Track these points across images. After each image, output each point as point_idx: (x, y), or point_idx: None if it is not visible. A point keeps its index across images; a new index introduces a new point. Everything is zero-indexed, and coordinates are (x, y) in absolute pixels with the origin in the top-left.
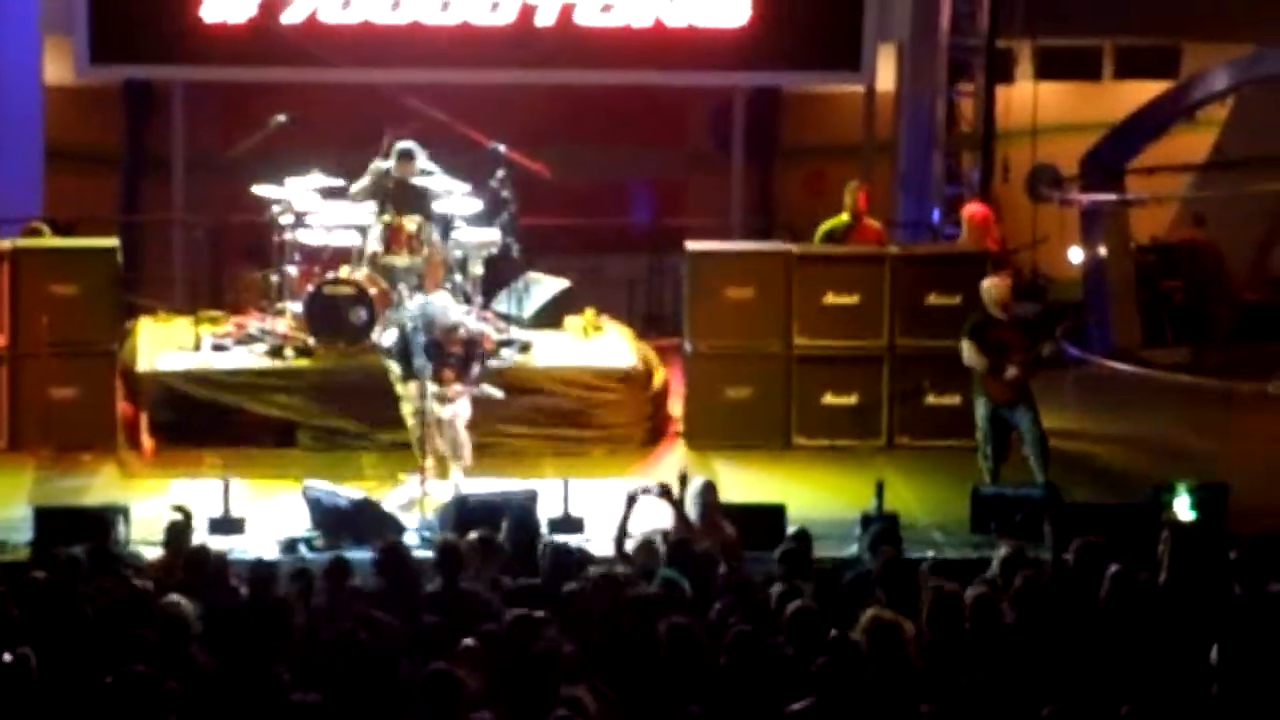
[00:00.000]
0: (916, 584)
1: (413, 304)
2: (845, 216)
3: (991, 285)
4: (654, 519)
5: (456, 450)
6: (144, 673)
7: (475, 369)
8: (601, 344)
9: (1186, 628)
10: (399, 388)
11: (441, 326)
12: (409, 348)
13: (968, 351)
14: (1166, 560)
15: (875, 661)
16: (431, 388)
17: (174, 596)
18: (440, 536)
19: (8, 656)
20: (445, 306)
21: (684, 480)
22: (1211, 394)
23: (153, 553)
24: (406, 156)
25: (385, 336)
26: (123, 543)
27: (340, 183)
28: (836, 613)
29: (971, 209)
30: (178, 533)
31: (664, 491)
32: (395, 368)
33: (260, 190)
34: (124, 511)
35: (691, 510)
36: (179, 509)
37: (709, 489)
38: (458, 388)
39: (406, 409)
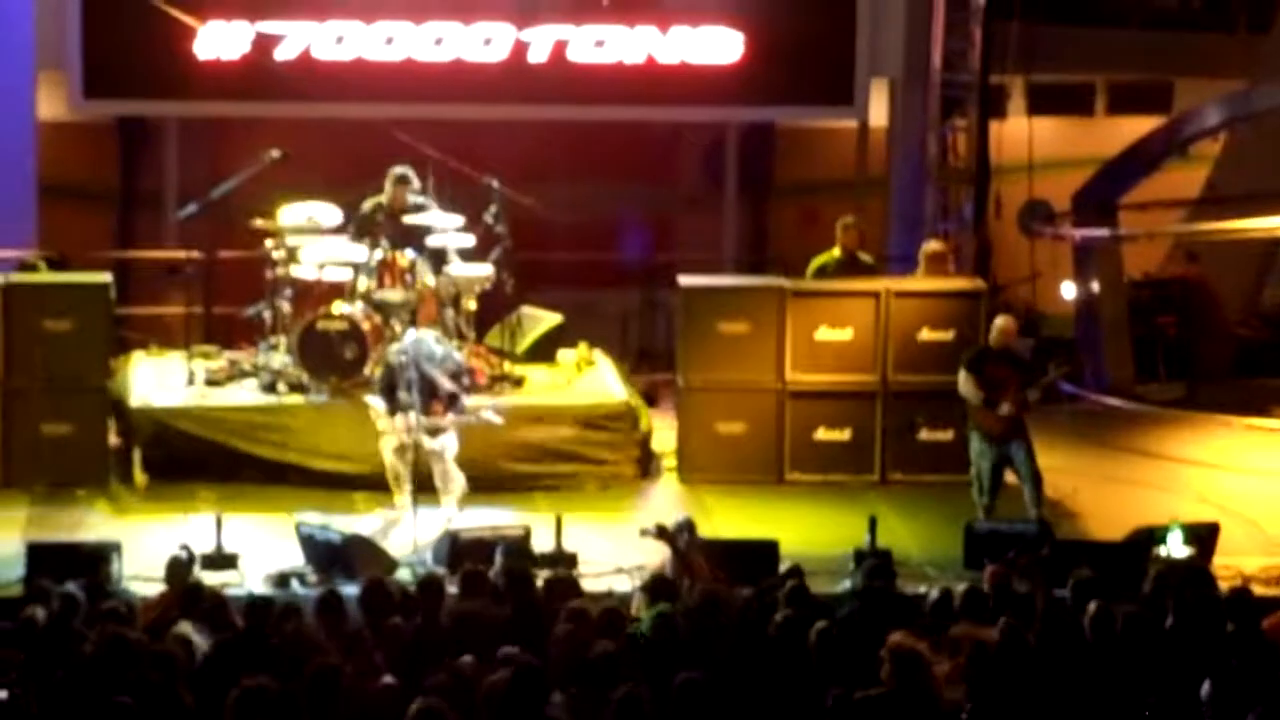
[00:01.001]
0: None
1: (401, 339)
2: (837, 252)
3: (1002, 323)
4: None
5: (447, 483)
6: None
7: (464, 400)
8: (594, 379)
9: (1178, 664)
10: (380, 423)
11: (429, 359)
12: (395, 382)
13: (964, 382)
14: (1160, 597)
15: (899, 688)
16: (421, 420)
17: (184, 627)
18: (425, 571)
19: (4, 694)
20: (433, 340)
21: (661, 532)
22: (1205, 429)
23: (147, 589)
24: (402, 181)
25: (375, 373)
26: (115, 579)
27: (333, 217)
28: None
29: (929, 245)
30: (180, 568)
31: (661, 532)
32: (379, 403)
33: (256, 224)
34: (116, 548)
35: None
36: (184, 548)
37: (687, 526)
38: (448, 419)
39: (386, 444)
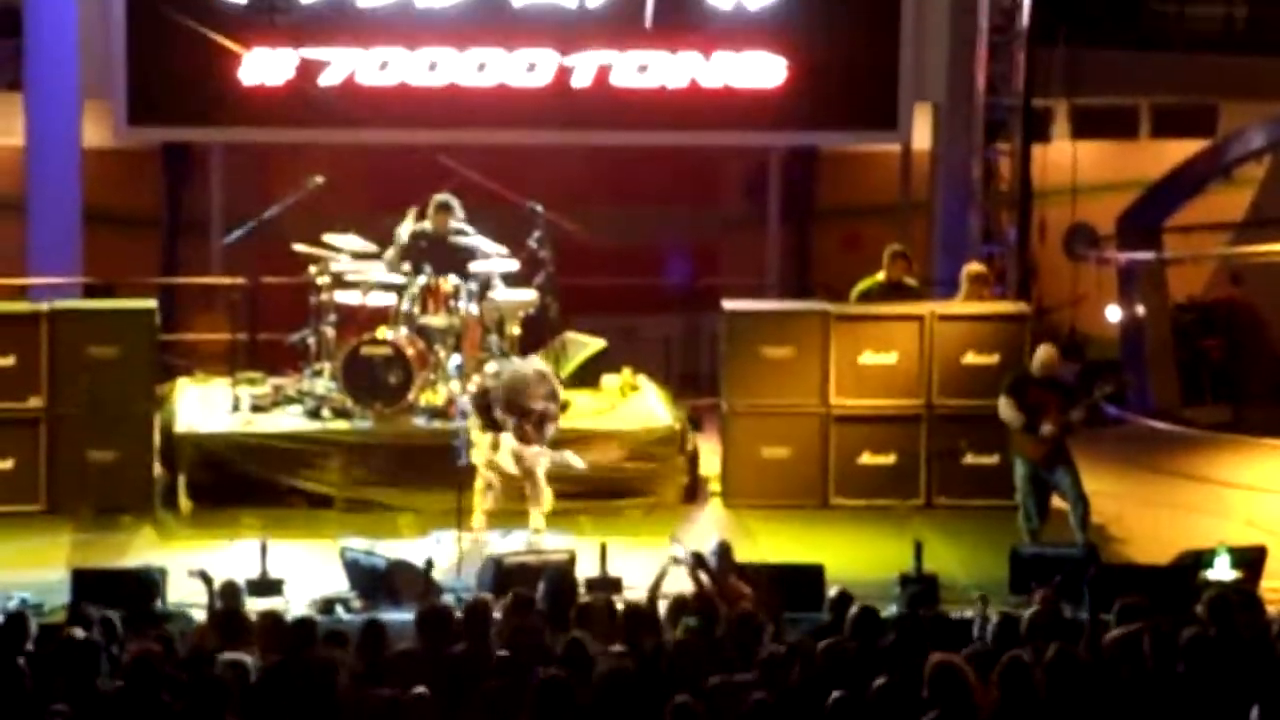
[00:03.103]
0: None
1: (502, 363)
2: (881, 276)
3: (1042, 351)
4: (680, 581)
5: (536, 495)
6: None
7: (549, 430)
8: (638, 404)
9: (1227, 688)
10: (474, 434)
11: (526, 389)
12: (489, 402)
13: (1004, 407)
14: (1211, 621)
15: (940, 706)
16: (510, 443)
17: (237, 655)
18: (472, 596)
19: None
20: (528, 364)
21: (696, 558)
22: (1251, 452)
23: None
24: (444, 208)
25: (439, 391)
26: (161, 605)
27: (377, 242)
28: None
29: (971, 267)
30: (233, 594)
31: (697, 560)
32: (476, 419)
33: (301, 249)
34: (162, 573)
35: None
36: (199, 574)
37: (723, 550)
38: (535, 448)
39: (479, 457)
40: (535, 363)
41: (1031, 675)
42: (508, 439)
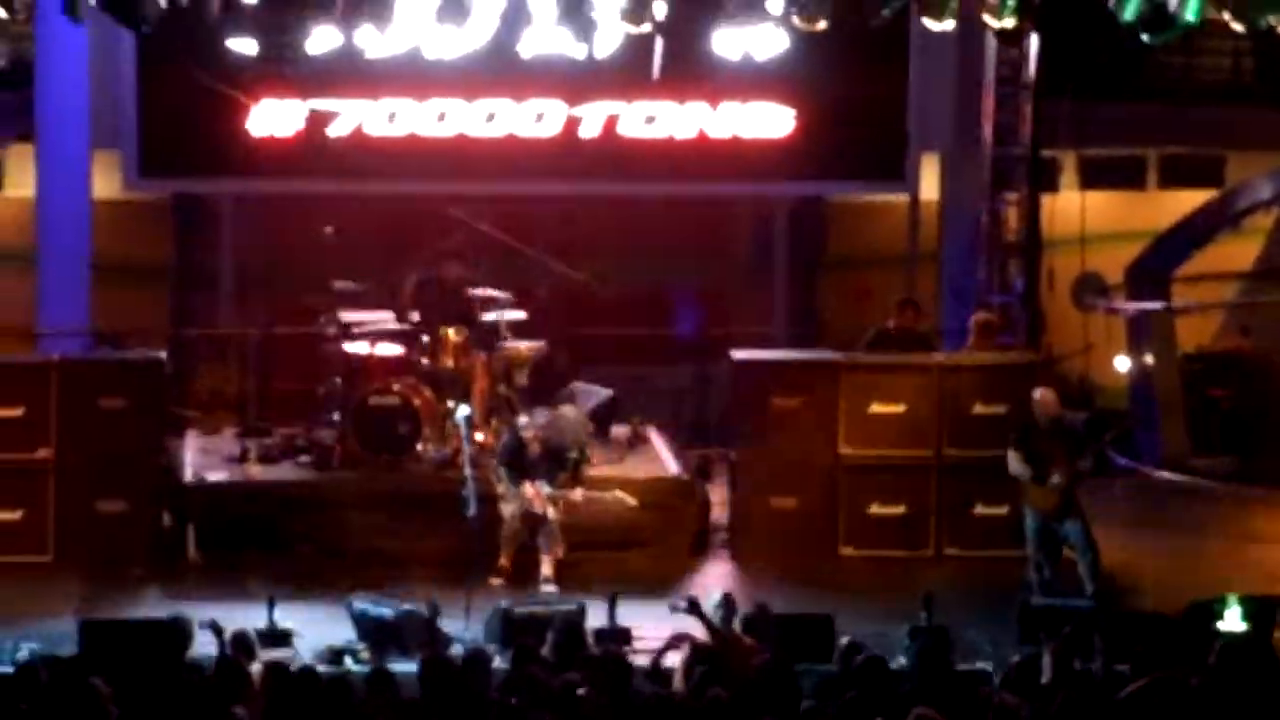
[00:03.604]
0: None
1: (536, 415)
2: (890, 325)
3: (1041, 398)
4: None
5: (552, 545)
6: None
7: (584, 471)
8: (647, 454)
9: None
10: (501, 487)
11: (565, 433)
12: (522, 453)
13: (1013, 461)
14: (1223, 671)
15: None
16: (546, 490)
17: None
18: (471, 646)
19: None
20: (574, 418)
21: (692, 606)
22: (1261, 503)
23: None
24: (453, 258)
25: (447, 443)
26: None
27: (385, 293)
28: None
29: (979, 316)
30: (244, 645)
31: (692, 606)
32: (503, 472)
33: (309, 301)
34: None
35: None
36: (211, 625)
37: (727, 601)
38: (578, 492)
39: (506, 509)
40: (570, 410)
41: None
42: (544, 487)
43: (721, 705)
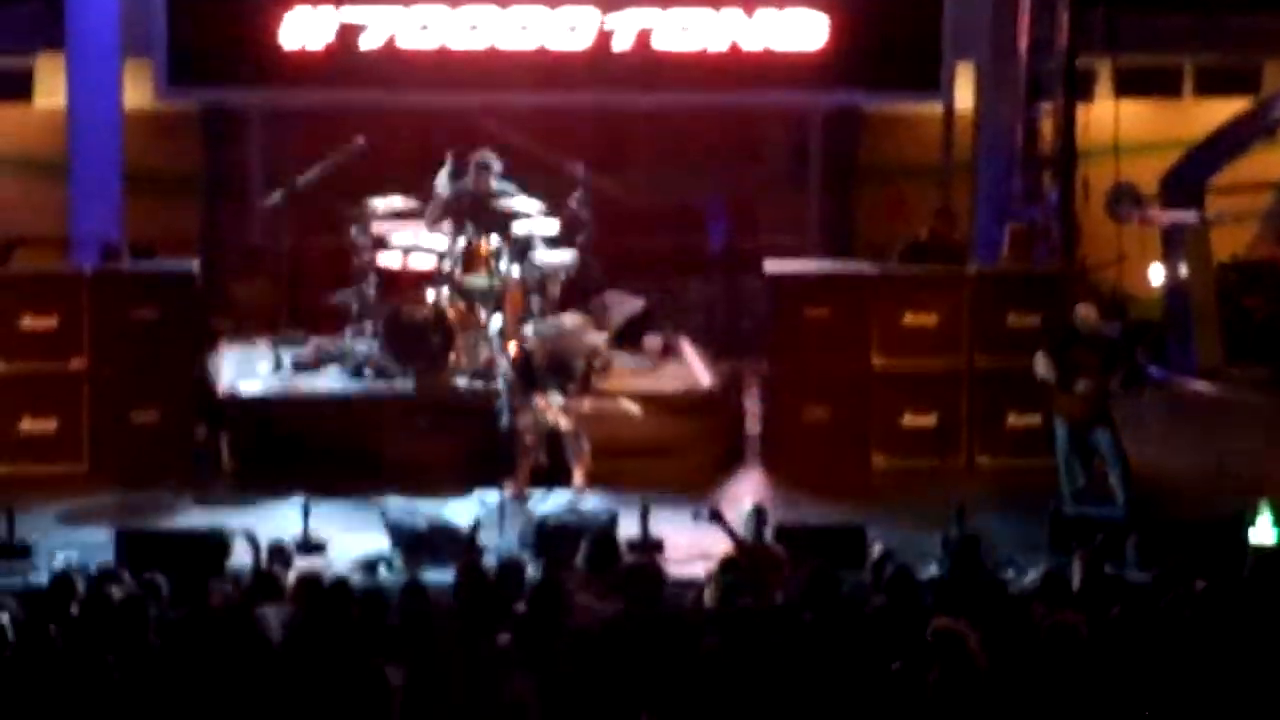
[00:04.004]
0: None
1: (539, 325)
2: (924, 235)
3: (1083, 310)
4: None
5: (579, 456)
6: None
7: (596, 381)
8: (679, 365)
9: (1270, 649)
10: (515, 400)
11: (568, 342)
12: (532, 364)
13: (1040, 362)
14: (1258, 580)
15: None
16: (557, 400)
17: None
18: (506, 556)
19: None
20: (575, 325)
21: (714, 515)
22: None
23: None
24: (484, 168)
25: (480, 352)
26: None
27: (417, 205)
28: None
29: (1013, 227)
30: (281, 555)
31: (714, 515)
32: (514, 382)
33: (342, 212)
34: (224, 535)
35: (743, 533)
36: (247, 535)
37: (758, 512)
38: (586, 403)
39: (521, 421)
40: (572, 318)
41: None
42: (555, 398)
43: (750, 614)
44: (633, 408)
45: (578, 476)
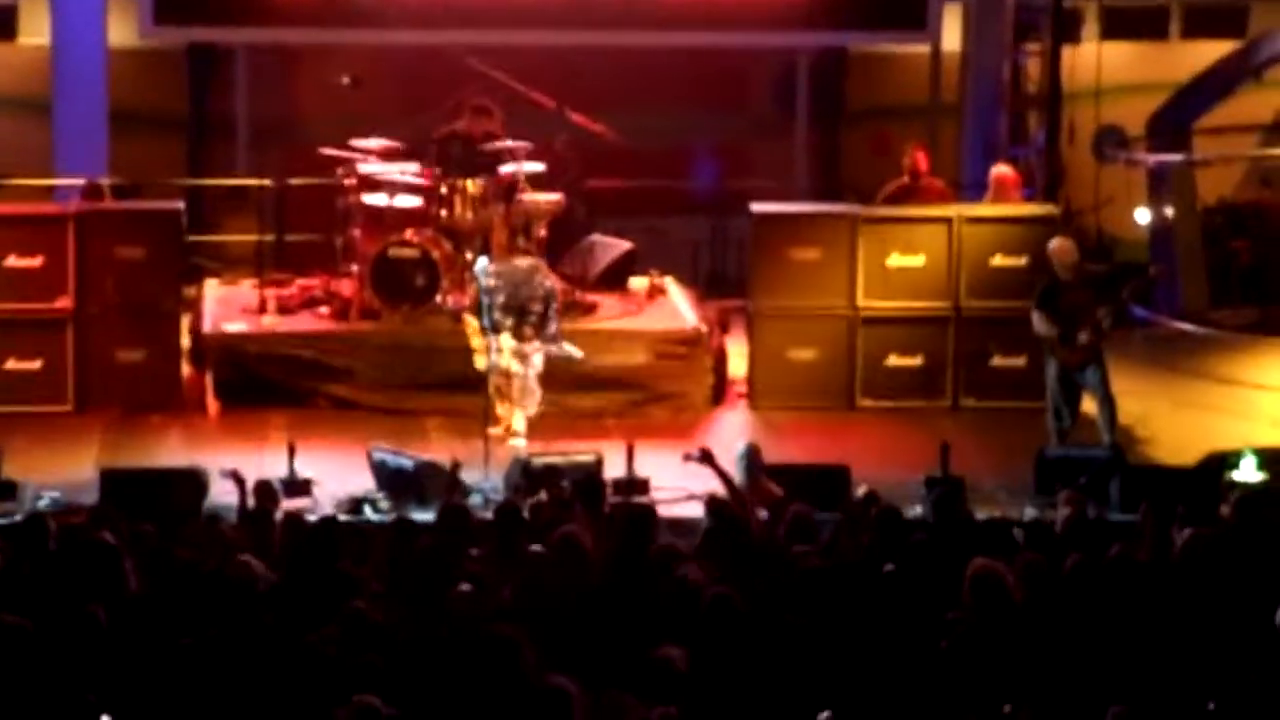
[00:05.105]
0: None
1: (496, 263)
2: (905, 178)
3: (1058, 247)
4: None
5: (524, 397)
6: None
7: (552, 326)
8: (665, 306)
9: (1253, 589)
10: (475, 340)
11: (525, 285)
12: (489, 305)
13: (1038, 321)
14: (1239, 522)
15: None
16: (510, 343)
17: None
18: (502, 498)
19: None
20: (524, 264)
21: (704, 456)
22: (1279, 354)
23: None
24: (481, 110)
25: (466, 293)
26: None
27: (404, 145)
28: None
29: (999, 170)
30: (268, 494)
31: (704, 456)
32: (475, 321)
33: (327, 151)
34: (201, 474)
35: (737, 473)
36: (232, 474)
37: (753, 452)
38: (536, 344)
39: (482, 362)
40: (528, 260)
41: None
42: (507, 340)
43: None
44: (575, 352)
45: (517, 418)
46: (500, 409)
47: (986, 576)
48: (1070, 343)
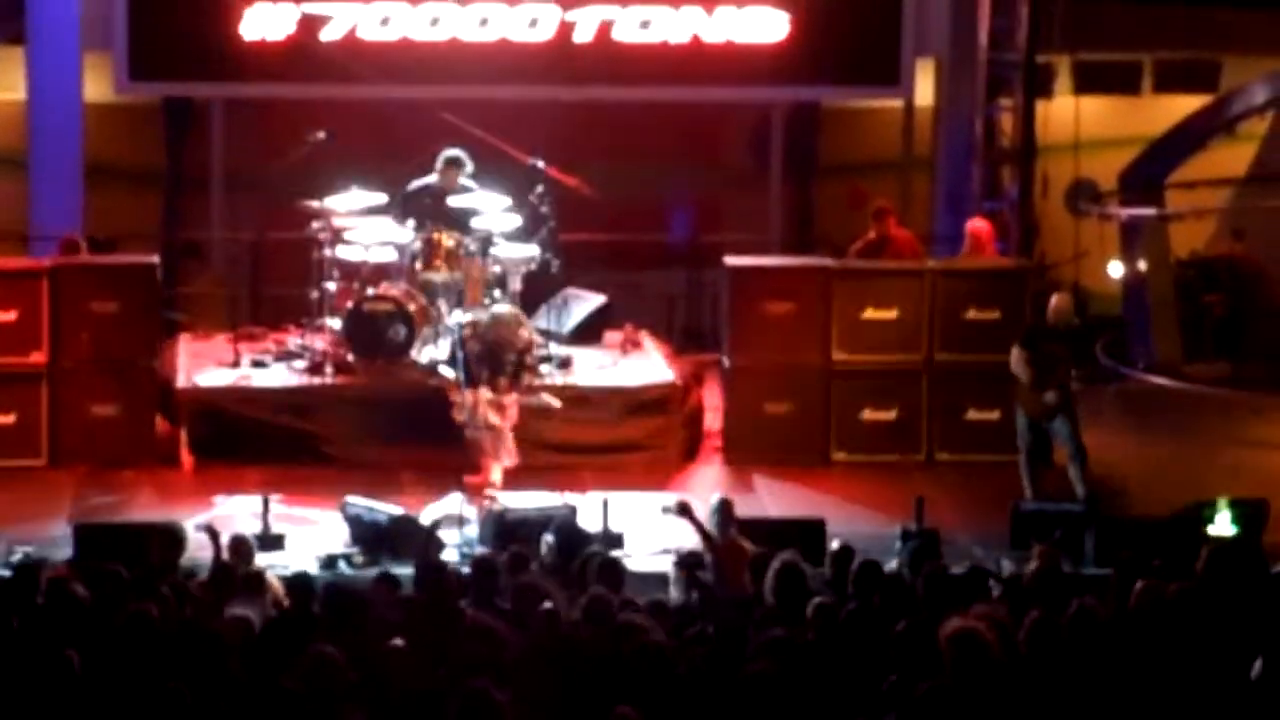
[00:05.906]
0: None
1: (473, 314)
2: (872, 235)
3: (1057, 304)
4: (679, 537)
5: (498, 450)
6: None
7: (529, 376)
8: (640, 360)
9: (1227, 643)
10: (454, 395)
11: (501, 336)
12: (466, 357)
13: (1016, 361)
14: (1212, 575)
15: (957, 670)
16: (487, 395)
17: (237, 610)
18: (477, 552)
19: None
20: (502, 315)
21: (682, 509)
22: (1252, 408)
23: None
24: (454, 163)
25: (440, 347)
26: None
27: (379, 199)
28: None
29: (974, 224)
30: (242, 549)
31: (683, 509)
32: (451, 375)
33: (303, 205)
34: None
35: (709, 526)
36: (207, 529)
37: (725, 506)
38: (512, 396)
39: (461, 415)
40: (507, 310)
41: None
42: (484, 393)
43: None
44: (553, 402)
45: (494, 471)
46: (477, 461)
47: (965, 637)
48: (1040, 392)
